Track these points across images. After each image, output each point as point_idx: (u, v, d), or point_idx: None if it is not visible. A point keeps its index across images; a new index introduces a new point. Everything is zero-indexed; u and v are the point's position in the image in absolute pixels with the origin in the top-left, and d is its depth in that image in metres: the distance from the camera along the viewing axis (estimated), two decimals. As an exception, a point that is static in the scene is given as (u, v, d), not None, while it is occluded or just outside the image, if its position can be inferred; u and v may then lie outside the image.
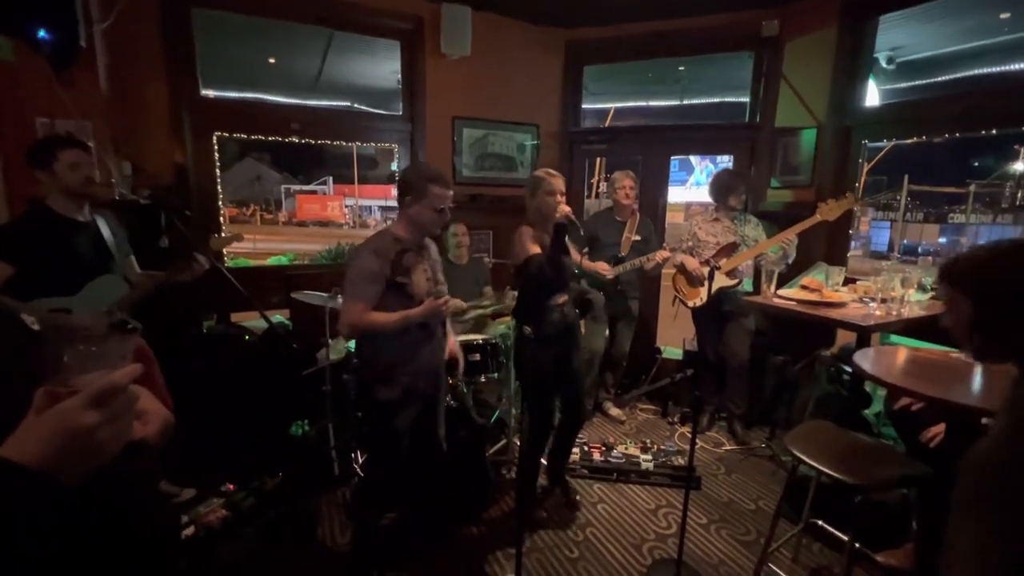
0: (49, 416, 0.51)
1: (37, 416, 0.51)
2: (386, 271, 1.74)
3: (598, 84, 4.94)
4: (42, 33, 2.24)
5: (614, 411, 3.51)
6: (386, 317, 1.75)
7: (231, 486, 2.34)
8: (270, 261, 4.88)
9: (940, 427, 1.82)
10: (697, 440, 2.06)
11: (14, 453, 0.48)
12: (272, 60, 4.68)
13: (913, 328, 2.56)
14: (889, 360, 1.79)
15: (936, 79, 4.01)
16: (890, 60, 3.63)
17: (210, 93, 3.22)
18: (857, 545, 1.67)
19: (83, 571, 0.58)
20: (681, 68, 4.77)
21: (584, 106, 4.32)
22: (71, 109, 2.44)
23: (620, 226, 3.25)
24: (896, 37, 3.50)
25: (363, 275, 1.74)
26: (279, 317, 3.28)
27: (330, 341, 2.76)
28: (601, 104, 6.02)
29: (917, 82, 3.98)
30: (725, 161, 5.43)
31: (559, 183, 2.11)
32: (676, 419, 3.48)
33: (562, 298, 2.21)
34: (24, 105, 2.39)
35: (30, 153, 1.94)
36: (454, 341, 2.13)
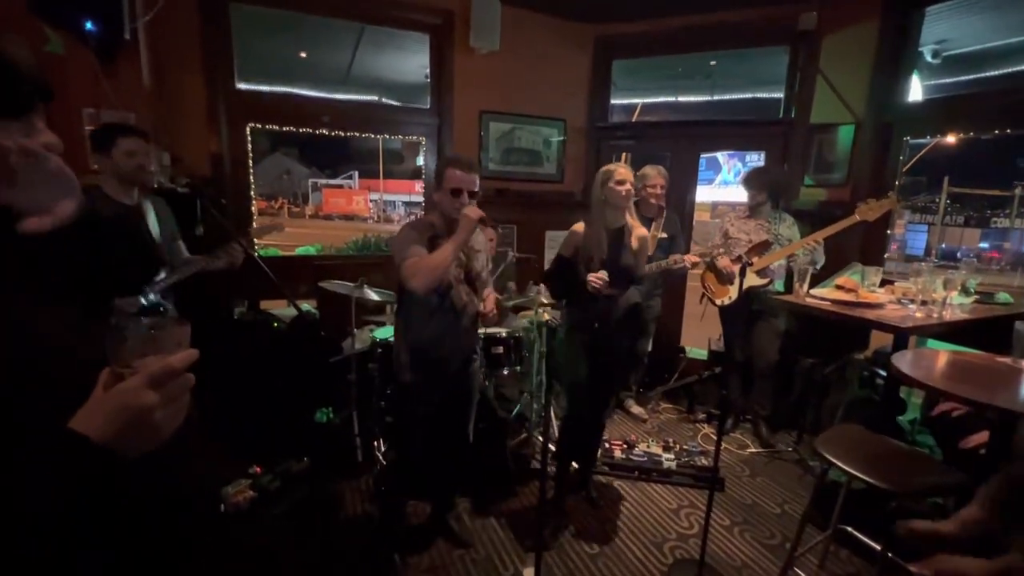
0: (113, 394, 0.54)
1: (103, 393, 0.54)
2: (424, 242, 1.80)
3: (625, 79, 4.87)
4: (89, 25, 2.33)
5: (636, 409, 3.47)
6: (440, 251, 1.74)
7: (258, 468, 2.40)
8: (298, 251, 4.96)
9: (982, 435, 1.75)
10: (721, 441, 2.02)
11: (82, 426, 0.52)
12: (303, 54, 4.76)
13: (952, 332, 2.47)
14: (929, 362, 1.72)
15: (984, 74, 3.82)
16: (935, 54, 3.48)
17: (244, 86, 3.30)
18: (889, 554, 1.62)
19: (127, 541, 0.60)
20: (712, 63, 4.67)
21: (611, 101, 4.27)
22: (115, 100, 2.53)
23: (646, 223, 3.20)
24: (942, 30, 3.35)
25: (408, 239, 1.80)
26: (307, 306, 3.34)
27: (355, 331, 2.80)
28: (628, 99, 5.93)
29: (963, 77, 3.81)
30: (755, 160, 5.30)
31: (627, 173, 2.13)
32: (702, 418, 3.43)
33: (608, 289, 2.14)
34: (71, 96, 2.49)
35: (93, 136, 2.08)
36: (491, 292, 2.09)
